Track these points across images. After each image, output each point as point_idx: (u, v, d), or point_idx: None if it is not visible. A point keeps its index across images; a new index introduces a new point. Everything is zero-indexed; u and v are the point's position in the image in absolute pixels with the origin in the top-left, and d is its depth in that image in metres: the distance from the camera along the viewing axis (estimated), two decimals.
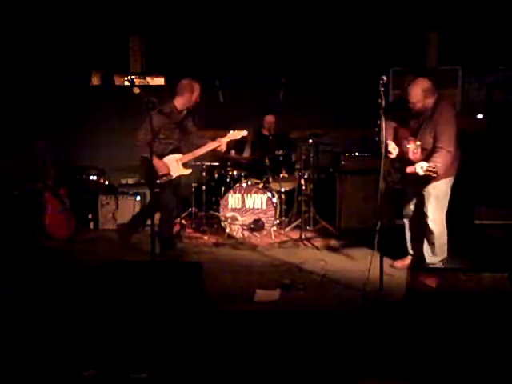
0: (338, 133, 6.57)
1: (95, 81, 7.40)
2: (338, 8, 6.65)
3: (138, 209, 6.25)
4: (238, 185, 5.97)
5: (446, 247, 4.60)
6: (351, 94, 6.65)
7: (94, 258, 5.12)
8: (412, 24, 6.65)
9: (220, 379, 2.96)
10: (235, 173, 6.25)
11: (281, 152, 6.22)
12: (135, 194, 6.54)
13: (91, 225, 6.58)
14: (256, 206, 5.90)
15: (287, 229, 6.16)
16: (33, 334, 3.41)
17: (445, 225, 4.57)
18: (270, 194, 5.90)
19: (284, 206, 6.18)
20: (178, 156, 5.08)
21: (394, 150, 4.53)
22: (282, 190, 6.13)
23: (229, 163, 6.37)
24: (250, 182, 5.98)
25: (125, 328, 3.28)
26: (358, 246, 5.42)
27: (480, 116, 6.70)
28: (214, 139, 5.24)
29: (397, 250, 5.34)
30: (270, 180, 6.12)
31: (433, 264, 4.56)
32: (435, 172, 4.11)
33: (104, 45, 7.07)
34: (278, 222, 6.01)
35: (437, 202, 4.50)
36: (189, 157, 5.14)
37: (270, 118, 6.65)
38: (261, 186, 5.97)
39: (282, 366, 3.06)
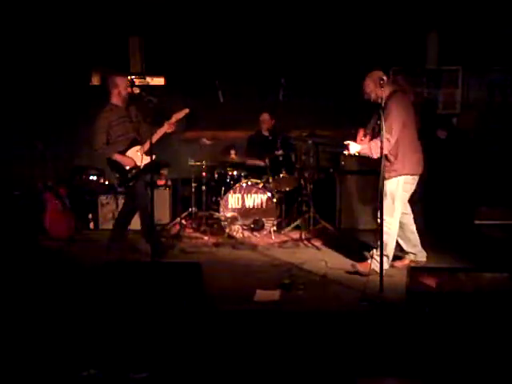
0: (338, 133, 6.57)
1: (95, 81, 7.40)
2: (338, 8, 6.65)
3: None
4: (238, 185, 5.97)
5: (392, 253, 4.58)
6: (351, 94, 6.65)
7: (94, 258, 5.12)
8: (412, 24, 6.65)
9: (220, 379, 2.96)
10: (235, 173, 6.25)
11: (280, 152, 6.22)
12: None
13: (91, 225, 6.58)
14: (256, 206, 5.90)
15: (287, 229, 6.16)
16: (33, 334, 3.41)
17: (393, 228, 4.51)
18: (269, 194, 5.90)
19: (284, 206, 6.18)
20: (137, 147, 5.17)
21: (351, 145, 4.56)
22: (282, 190, 6.14)
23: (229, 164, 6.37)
24: (249, 182, 5.98)
25: (125, 328, 3.28)
26: (358, 246, 5.42)
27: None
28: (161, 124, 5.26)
29: (397, 250, 5.35)
30: (270, 180, 6.12)
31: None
32: (369, 154, 4.38)
33: (104, 45, 7.07)
34: (277, 222, 6.01)
35: (385, 199, 4.48)
36: (147, 144, 5.09)
37: (264, 117, 6.65)
38: (261, 185, 5.97)
39: (281, 366, 3.06)
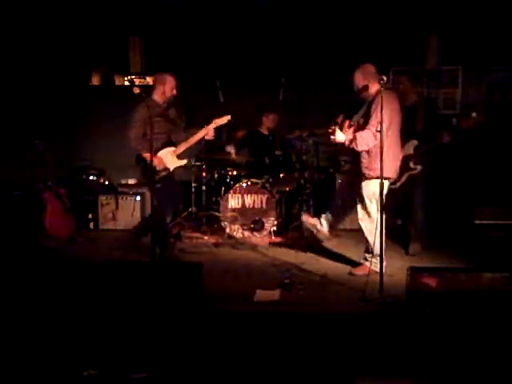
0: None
1: (95, 81, 7.40)
2: (339, 8, 6.65)
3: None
4: (238, 185, 5.97)
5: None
6: (351, 94, 6.64)
7: (94, 258, 5.12)
8: (412, 24, 6.65)
9: (220, 379, 2.96)
10: (235, 173, 6.25)
11: (280, 152, 6.22)
12: (135, 194, 6.53)
13: (91, 225, 6.58)
14: (256, 206, 5.90)
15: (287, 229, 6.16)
16: (33, 333, 3.41)
17: (373, 225, 4.43)
18: (269, 194, 5.90)
19: (284, 206, 6.18)
20: (171, 149, 5.06)
21: (337, 133, 4.50)
22: (282, 190, 6.13)
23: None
24: (249, 182, 5.98)
25: (125, 328, 3.28)
26: (359, 246, 5.42)
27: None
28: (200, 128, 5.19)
29: (397, 250, 5.36)
30: (270, 180, 6.12)
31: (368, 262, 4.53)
32: (353, 143, 4.33)
33: (104, 45, 7.07)
34: (277, 222, 6.00)
35: (364, 200, 4.51)
36: (181, 148, 5.09)
37: (273, 117, 6.61)
38: (261, 186, 5.97)
39: (281, 366, 3.06)
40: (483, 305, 3.18)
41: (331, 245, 5.66)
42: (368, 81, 4.45)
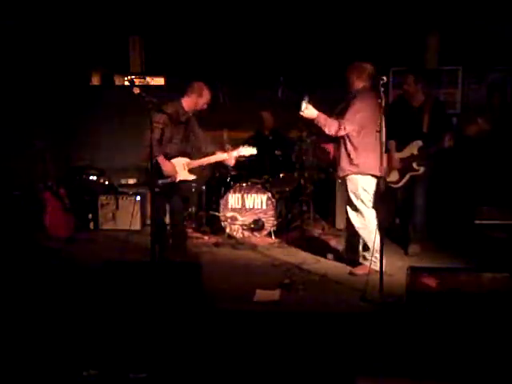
0: None
1: (95, 81, 7.40)
2: (338, 7, 6.64)
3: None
4: (237, 185, 5.97)
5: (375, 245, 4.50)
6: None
7: (94, 258, 5.12)
8: (412, 24, 6.65)
9: (220, 379, 2.96)
10: (235, 173, 6.25)
11: (280, 152, 6.22)
12: (135, 194, 6.53)
13: (91, 225, 6.57)
14: (256, 206, 5.90)
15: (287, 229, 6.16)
16: (33, 334, 3.41)
17: (367, 222, 4.53)
18: (269, 194, 5.90)
19: (284, 206, 6.17)
20: (185, 160, 4.94)
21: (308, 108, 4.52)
22: (282, 190, 6.13)
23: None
24: (249, 182, 5.98)
25: (125, 328, 3.28)
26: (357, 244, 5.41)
27: None
28: (222, 148, 5.14)
29: (397, 250, 5.35)
30: (270, 180, 6.12)
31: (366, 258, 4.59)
32: (322, 125, 4.46)
33: (104, 45, 7.07)
34: (277, 222, 6.00)
35: (349, 197, 4.58)
36: (196, 163, 4.99)
37: (266, 115, 6.63)
38: (261, 186, 5.97)
39: (281, 366, 3.06)
40: (483, 305, 3.18)
41: (331, 245, 5.66)
42: (357, 76, 4.53)
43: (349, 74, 4.57)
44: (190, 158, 4.98)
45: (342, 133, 4.44)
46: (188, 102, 4.92)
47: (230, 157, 4.96)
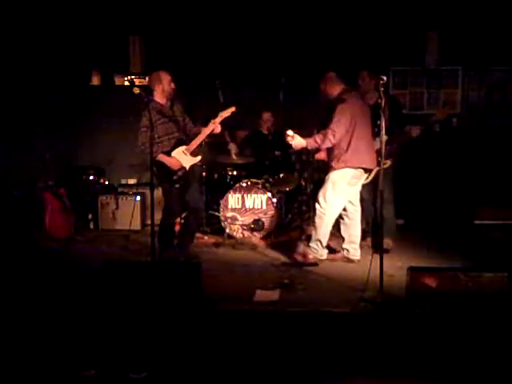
0: None
1: (95, 81, 7.40)
2: (338, 8, 6.65)
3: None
4: (237, 185, 5.97)
5: (325, 239, 4.83)
6: None
7: (94, 258, 5.12)
8: (412, 24, 6.65)
9: (219, 379, 2.96)
10: (235, 173, 6.25)
11: (280, 152, 6.21)
12: (135, 194, 6.53)
13: (91, 225, 6.58)
14: (256, 206, 5.90)
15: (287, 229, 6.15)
16: (33, 334, 3.41)
17: (327, 213, 4.74)
18: (269, 194, 5.90)
19: (284, 206, 6.17)
20: (183, 147, 5.00)
21: (295, 138, 4.75)
22: (282, 190, 6.13)
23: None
24: (249, 182, 5.98)
25: (124, 328, 3.28)
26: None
27: None
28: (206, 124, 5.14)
29: (396, 250, 5.35)
30: (270, 180, 6.12)
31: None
32: (316, 145, 4.75)
33: (104, 45, 7.07)
34: (278, 222, 6.00)
35: (326, 184, 4.77)
36: (193, 145, 5.04)
37: (266, 116, 6.63)
38: (261, 186, 5.97)
39: (281, 366, 3.06)
40: (483, 305, 3.18)
41: (331, 245, 5.66)
42: (329, 86, 4.76)
43: (320, 89, 4.82)
44: (186, 144, 5.03)
45: (335, 141, 4.66)
46: (158, 95, 5.00)
47: (215, 125, 4.99)
